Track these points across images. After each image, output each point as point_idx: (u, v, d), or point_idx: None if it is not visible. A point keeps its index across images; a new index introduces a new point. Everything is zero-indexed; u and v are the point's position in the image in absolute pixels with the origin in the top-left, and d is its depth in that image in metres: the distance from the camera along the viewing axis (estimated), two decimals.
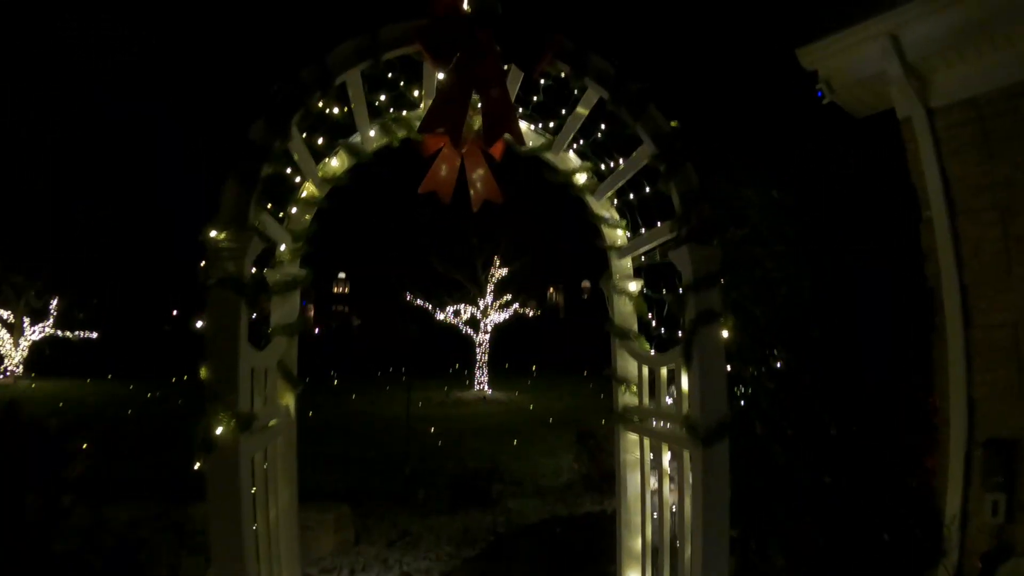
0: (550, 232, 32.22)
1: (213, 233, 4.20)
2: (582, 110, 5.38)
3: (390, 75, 5.28)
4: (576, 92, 5.30)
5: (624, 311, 6.25)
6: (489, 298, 27.72)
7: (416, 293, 27.90)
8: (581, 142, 5.92)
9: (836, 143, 8.29)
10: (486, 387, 27.73)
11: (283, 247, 5.64)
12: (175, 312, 55.11)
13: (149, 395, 27.36)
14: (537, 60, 4.58)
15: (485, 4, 4.51)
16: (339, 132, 5.64)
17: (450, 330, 28.61)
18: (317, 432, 17.51)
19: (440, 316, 27.63)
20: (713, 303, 4.70)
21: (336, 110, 5.17)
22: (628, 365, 6.21)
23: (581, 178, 6.13)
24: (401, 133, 5.79)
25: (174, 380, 30.21)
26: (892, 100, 6.89)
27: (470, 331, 27.84)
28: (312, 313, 67.29)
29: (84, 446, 8.25)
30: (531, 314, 30.43)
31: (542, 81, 5.38)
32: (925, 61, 6.47)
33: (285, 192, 5.52)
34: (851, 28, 6.94)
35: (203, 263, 4.33)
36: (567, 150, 6.06)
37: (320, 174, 5.67)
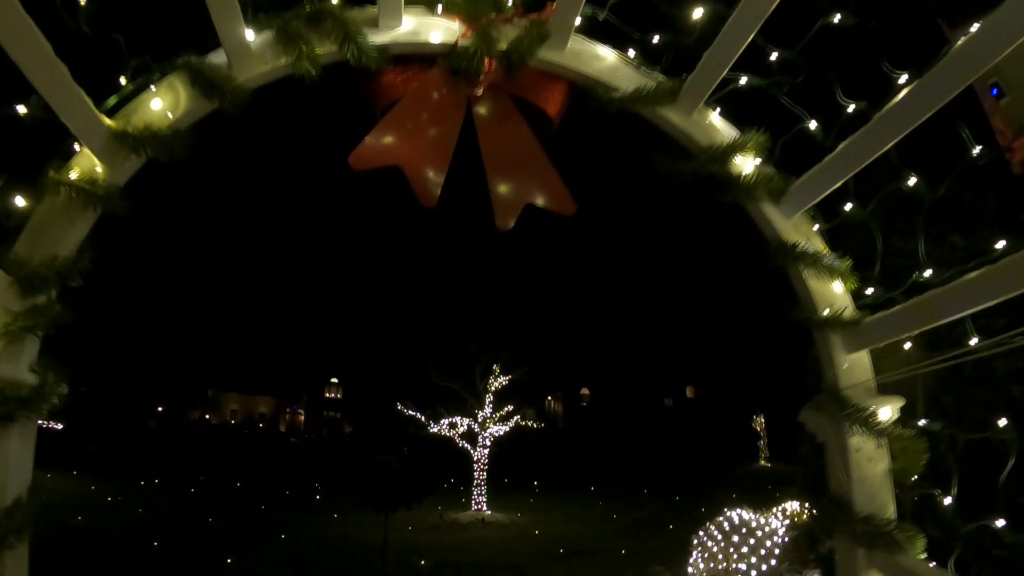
0: (554, 333, 28.74)
1: None
2: None
3: None
4: None
5: (869, 475, 2.49)
6: (488, 409, 23.85)
7: (408, 404, 24.07)
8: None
9: None
10: (484, 507, 23.54)
11: None
12: (159, 408, 50.75)
13: (109, 499, 23.54)
14: None
15: None
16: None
17: (445, 444, 24.63)
18: (284, 564, 14.92)
19: (434, 428, 23.69)
20: None
21: None
22: None
23: (745, 166, 2.48)
24: (323, 47, 2.10)
25: (142, 483, 27.85)
26: None
27: (467, 445, 23.84)
28: (303, 418, 62.76)
29: None
30: (535, 427, 26.52)
31: None
32: None
33: None
34: None
35: None
36: (712, 103, 2.41)
37: (110, 123, 1.97)
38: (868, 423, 2.49)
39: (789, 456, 36.01)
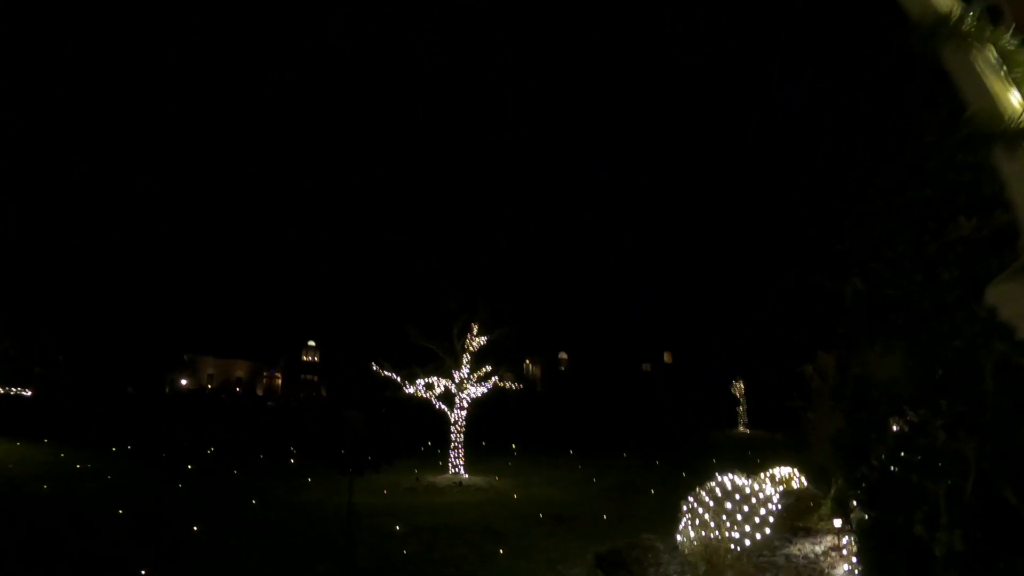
0: (533, 296, 27.92)
1: None
2: None
3: None
4: None
5: None
6: (465, 370, 22.80)
7: (384, 364, 22.96)
8: None
9: None
10: (462, 470, 22.69)
11: None
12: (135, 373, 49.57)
13: (78, 466, 22.97)
14: None
15: None
16: None
17: (423, 406, 23.63)
18: (252, 531, 14.01)
19: (410, 390, 22.62)
20: None
21: None
22: None
23: None
24: None
25: (114, 449, 27.65)
26: None
27: (443, 407, 22.85)
28: (280, 382, 61.60)
29: None
30: (513, 388, 25.53)
31: None
32: None
33: None
34: None
35: None
36: None
37: None
38: None
39: (768, 423, 35.58)
